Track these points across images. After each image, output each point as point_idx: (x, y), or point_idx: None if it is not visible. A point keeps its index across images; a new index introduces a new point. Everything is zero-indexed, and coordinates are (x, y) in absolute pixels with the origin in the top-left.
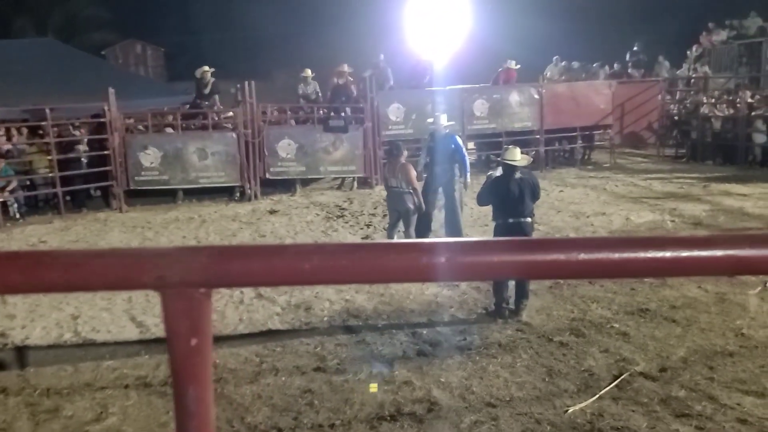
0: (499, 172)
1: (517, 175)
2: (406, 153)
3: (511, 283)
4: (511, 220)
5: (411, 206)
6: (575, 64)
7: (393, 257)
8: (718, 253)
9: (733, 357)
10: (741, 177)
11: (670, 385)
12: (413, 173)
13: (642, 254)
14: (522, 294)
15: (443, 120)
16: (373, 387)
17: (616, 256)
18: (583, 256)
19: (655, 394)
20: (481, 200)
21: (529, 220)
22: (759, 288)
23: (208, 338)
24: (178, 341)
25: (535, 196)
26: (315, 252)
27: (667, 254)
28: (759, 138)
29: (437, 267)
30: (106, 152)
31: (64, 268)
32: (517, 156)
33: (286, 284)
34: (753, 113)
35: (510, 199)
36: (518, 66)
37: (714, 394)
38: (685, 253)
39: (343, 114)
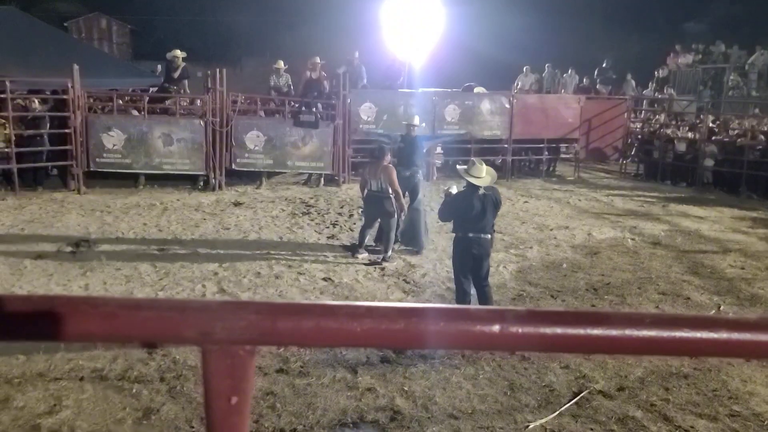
0: (454, 189)
1: (481, 191)
2: (389, 156)
3: (474, 293)
4: (471, 235)
5: (392, 210)
6: (547, 67)
7: (446, 324)
8: None
9: (688, 379)
10: (698, 199)
11: (628, 405)
12: (395, 176)
13: (696, 334)
14: (485, 305)
15: (416, 121)
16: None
17: (665, 335)
18: (636, 333)
19: (612, 413)
20: (443, 215)
21: (489, 236)
22: (713, 311)
23: (248, 397)
24: (217, 399)
25: (497, 210)
26: (367, 315)
27: (724, 335)
28: (708, 162)
29: (490, 336)
30: (66, 131)
31: (102, 318)
32: (483, 173)
33: (336, 346)
34: (713, 138)
35: (473, 214)
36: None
37: (669, 415)
38: (737, 336)
39: (314, 109)
